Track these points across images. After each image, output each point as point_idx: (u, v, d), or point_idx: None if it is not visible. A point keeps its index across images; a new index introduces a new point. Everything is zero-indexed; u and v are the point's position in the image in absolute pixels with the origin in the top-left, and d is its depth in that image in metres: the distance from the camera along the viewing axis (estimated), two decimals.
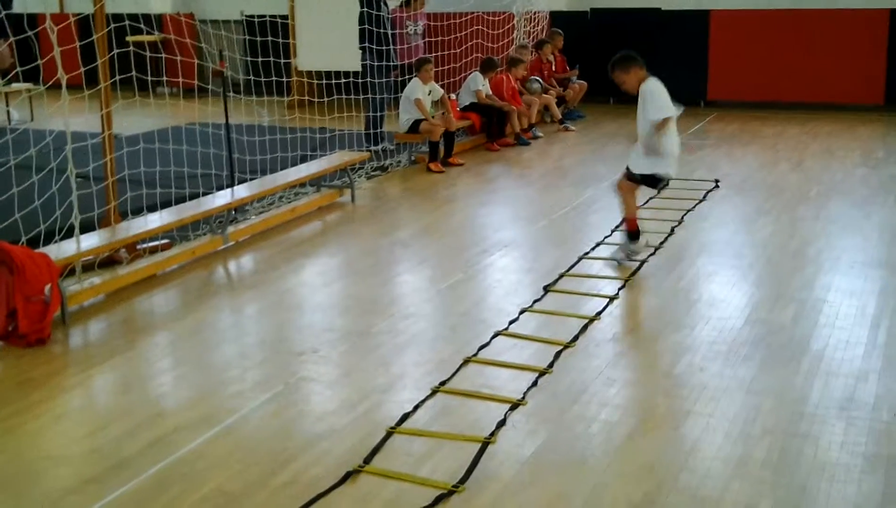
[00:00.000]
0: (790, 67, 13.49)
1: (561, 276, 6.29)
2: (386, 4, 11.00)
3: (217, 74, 8.21)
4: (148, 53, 7.97)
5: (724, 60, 13.88)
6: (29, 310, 5.21)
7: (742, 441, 4.05)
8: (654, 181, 6.54)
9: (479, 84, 11.36)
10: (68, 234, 6.20)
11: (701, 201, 8.32)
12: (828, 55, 13.31)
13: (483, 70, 11.49)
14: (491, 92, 11.51)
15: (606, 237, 7.18)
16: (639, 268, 6.46)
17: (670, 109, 6.25)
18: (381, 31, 10.61)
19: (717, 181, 9.03)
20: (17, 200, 6.27)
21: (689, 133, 11.87)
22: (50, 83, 6.49)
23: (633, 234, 6.55)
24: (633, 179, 6.50)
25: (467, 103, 11.36)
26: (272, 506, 3.59)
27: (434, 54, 11.85)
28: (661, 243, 7.04)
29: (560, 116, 12.55)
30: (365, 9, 10.66)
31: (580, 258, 6.69)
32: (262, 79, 10.35)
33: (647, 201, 8.20)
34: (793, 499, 3.61)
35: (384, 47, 10.73)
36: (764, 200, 8.40)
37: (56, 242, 6.11)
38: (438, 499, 3.61)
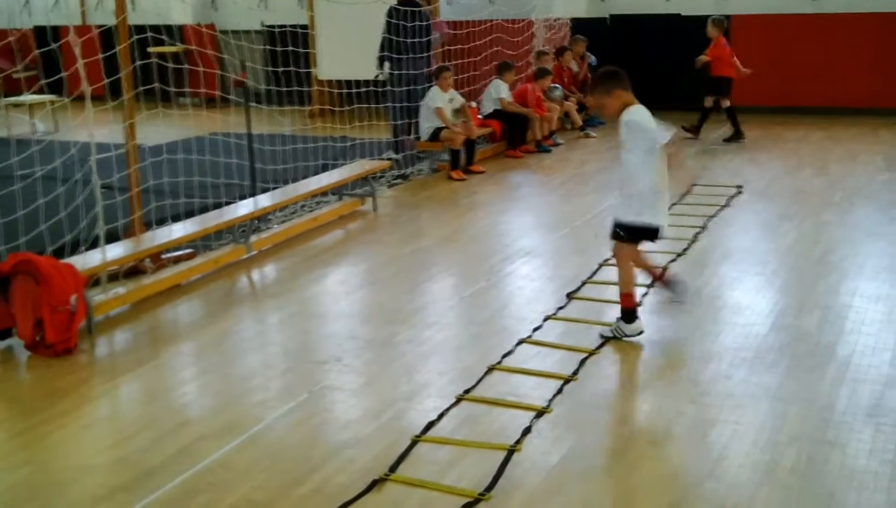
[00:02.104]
0: (811, 71, 13.42)
1: (584, 283, 6.28)
2: (420, 13, 10.96)
3: (238, 85, 8.26)
4: (170, 64, 8.03)
5: (746, 66, 13.81)
6: (55, 320, 5.25)
7: (769, 449, 4.03)
8: (650, 233, 5.23)
9: (501, 91, 11.36)
10: (93, 244, 6.25)
11: (724, 207, 8.28)
12: (849, 60, 13.22)
13: (500, 73, 11.48)
14: (513, 99, 11.51)
15: None
16: (662, 274, 6.43)
17: (665, 134, 5.16)
18: (404, 40, 10.63)
19: (740, 187, 8.98)
20: (43, 210, 6.33)
21: (712, 138, 11.83)
22: (74, 95, 6.56)
23: (628, 313, 5.29)
24: (621, 238, 5.27)
25: (490, 111, 11.36)
26: None
27: (454, 62, 11.87)
28: (685, 249, 7.02)
29: (581, 123, 12.54)
30: (393, 19, 10.65)
31: (601, 265, 6.67)
32: (284, 88, 10.40)
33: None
34: (821, 507, 3.58)
35: (406, 56, 10.74)
36: (787, 205, 8.35)
37: (81, 252, 6.15)
38: (470, 503, 3.61)
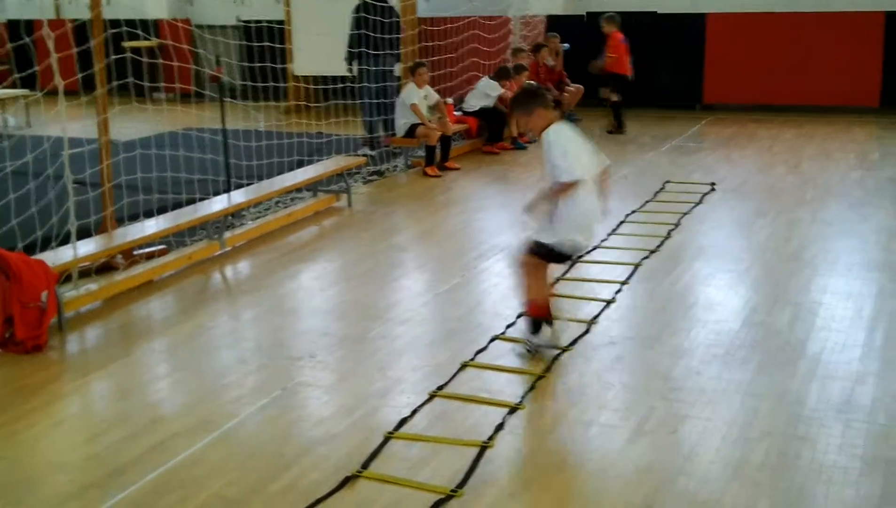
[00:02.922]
0: (786, 70, 13.52)
1: (557, 280, 6.29)
2: (389, 9, 10.97)
3: (214, 80, 8.22)
4: (145, 59, 7.97)
5: (721, 64, 13.91)
6: (26, 316, 5.20)
7: (740, 444, 4.06)
8: (560, 257, 5.02)
9: (498, 89, 11.33)
10: (65, 240, 6.19)
11: (698, 204, 8.33)
12: (823, 58, 13.34)
13: (497, 77, 11.47)
14: None
15: (603, 241, 7.18)
16: (634, 271, 6.47)
17: (575, 170, 4.78)
18: (374, 35, 10.61)
19: (713, 184, 9.04)
20: (13, 206, 6.27)
21: (686, 136, 11.90)
22: (47, 89, 6.49)
23: (536, 323, 5.03)
24: (537, 253, 4.97)
25: (477, 108, 11.37)
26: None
27: (430, 59, 11.86)
28: (659, 245, 7.05)
29: None
30: (361, 13, 10.66)
31: (575, 261, 6.67)
32: (259, 84, 10.36)
33: (639, 208, 8.24)
34: (791, 502, 3.61)
35: (380, 52, 10.73)
36: (761, 202, 8.41)
37: (53, 248, 6.10)
38: (437, 504, 3.61)
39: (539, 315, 5.01)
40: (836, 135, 11.84)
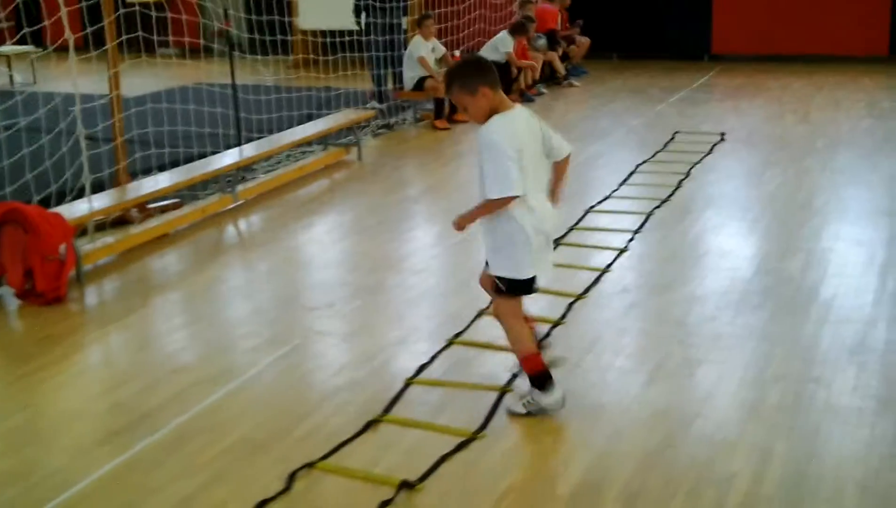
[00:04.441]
0: (794, 19, 13.43)
1: (570, 229, 6.32)
2: None
3: (221, 34, 8.19)
4: (154, 14, 7.94)
5: (729, 14, 13.81)
6: (45, 269, 5.25)
7: (755, 387, 4.11)
8: (527, 287, 3.91)
9: (508, 46, 11.23)
10: (79, 194, 6.23)
11: (707, 154, 8.33)
12: (832, 7, 13.25)
13: (513, 32, 11.33)
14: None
15: (614, 191, 7.20)
16: (646, 220, 6.49)
17: (512, 184, 3.68)
18: None
19: (722, 134, 9.03)
20: (28, 161, 6.30)
21: (694, 87, 11.85)
22: (55, 46, 6.48)
23: (540, 378, 3.90)
24: (502, 292, 3.93)
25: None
26: (297, 454, 3.65)
27: (437, 10, 11.78)
28: (669, 195, 7.07)
29: (564, 73, 12.51)
30: None
31: (587, 211, 6.72)
32: (266, 38, 10.31)
33: (649, 158, 8.25)
34: (807, 442, 3.67)
35: (387, 5, 10.67)
36: (770, 152, 8.40)
37: (67, 202, 6.13)
38: (460, 446, 3.67)
39: (538, 370, 3.90)
40: (845, 84, 11.79)
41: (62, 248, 5.36)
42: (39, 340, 4.91)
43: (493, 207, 3.76)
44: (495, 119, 3.75)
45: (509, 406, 3.95)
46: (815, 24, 13.34)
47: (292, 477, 3.48)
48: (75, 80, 6.13)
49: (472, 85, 3.72)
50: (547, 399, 3.88)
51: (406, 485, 3.40)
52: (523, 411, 3.91)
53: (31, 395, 4.35)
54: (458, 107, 3.87)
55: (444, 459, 3.58)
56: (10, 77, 13.02)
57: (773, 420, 3.83)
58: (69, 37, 6.04)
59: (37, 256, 5.22)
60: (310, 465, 3.56)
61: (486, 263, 4.00)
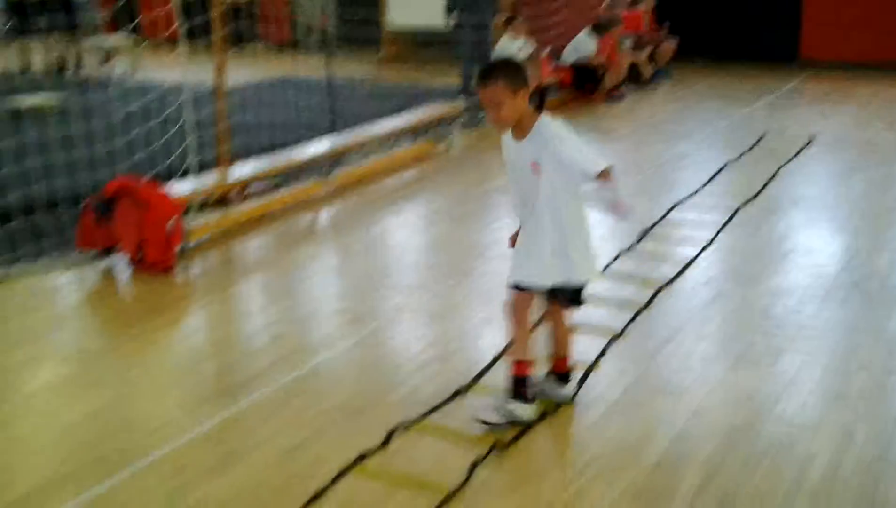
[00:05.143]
0: (885, 26, 13.24)
1: (655, 223, 6.43)
2: None
3: (322, 27, 8.48)
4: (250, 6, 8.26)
5: (819, 19, 13.68)
6: (155, 241, 5.56)
7: (839, 375, 4.20)
8: (577, 296, 3.89)
9: (591, 47, 11.35)
10: (183, 175, 6.56)
11: (795, 157, 8.33)
12: None
13: (595, 30, 11.45)
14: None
15: (700, 189, 7.29)
16: (732, 217, 6.56)
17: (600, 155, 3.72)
18: None
19: (811, 138, 9.01)
20: (138, 144, 6.65)
21: (782, 92, 11.79)
22: (159, 38, 6.80)
23: (565, 375, 4.02)
24: (576, 303, 3.93)
25: (572, 60, 11.46)
26: (391, 417, 3.85)
27: (528, 10, 11.94)
28: (756, 194, 7.12)
29: (649, 76, 12.55)
30: None
31: (673, 207, 6.81)
32: (357, 35, 10.61)
33: (735, 158, 8.28)
34: (888, 429, 3.75)
35: (479, 3, 10.88)
36: (858, 156, 8.38)
37: (174, 181, 6.46)
38: (545, 414, 3.84)
39: (563, 369, 4.00)
40: None
41: (170, 222, 5.66)
42: (149, 307, 5.21)
43: (607, 177, 3.62)
44: (545, 117, 3.73)
45: (482, 416, 3.79)
46: None
47: (389, 436, 3.69)
48: (185, 69, 6.47)
49: (517, 84, 3.62)
50: (525, 411, 3.79)
51: (497, 446, 3.58)
52: (501, 421, 3.76)
53: (142, 355, 4.65)
54: (487, 104, 3.66)
55: (531, 426, 3.75)
56: (112, 68, 13.54)
57: (854, 407, 3.92)
58: (181, 29, 6.36)
59: (149, 228, 5.54)
60: (405, 426, 3.77)
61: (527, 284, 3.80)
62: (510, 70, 3.68)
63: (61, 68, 12.22)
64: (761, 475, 3.44)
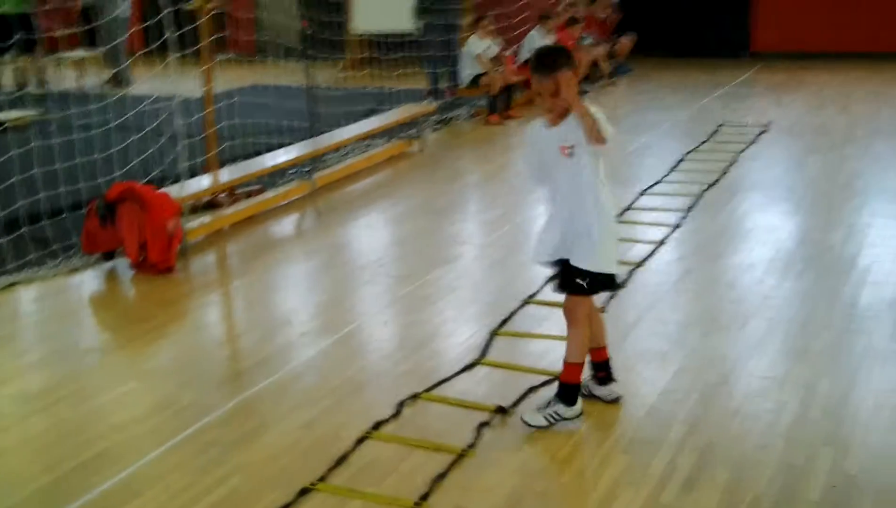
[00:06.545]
0: (833, 17, 13.79)
1: (624, 210, 6.84)
2: None
3: (299, 32, 8.79)
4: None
5: (769, 12, 14.21)
6: (157, 242, 5.86)
7: (801, 337, 4.63)
8: (612, 282, 3.98)
9: (535, 42, 11.75)
10: (175, 180, 6.85)
11: (752, 144, 8.80)
12: (870, 5, 13.60)
13: (542, 21, 11.83)
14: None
15: (664, 177, 7.71)
16: (697, 201, 6.99)
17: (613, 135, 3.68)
18: None
19: (766, 125, 9.49)
20: (131, 152, 6.94)
21: (736, 83, 12.29)
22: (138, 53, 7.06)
23: (573, 391, 3.87)
24: (584, 290, 3.82)
25: (526, 59, 11.84)
26: (401, 388, 4.21)
27: (491, 12, 12.32)
28: (717, 179, 7.56)
29: (609, 71, 13.00)
30: None
31: (640, 194, 7.23)
32: (326, 38, 10.91)
33: (696, 147, 8.72)
34: (847, 379, 4.17)
35: (447, 7, 11.28)
36: (812, 141, 8.88)
37: (168, 186, 6.75)
38: (548, 382, 4.21)
39: (577, 382, 3.88)
40: (884, 79, 12.19)
41: (171, 224, 5.96)
42: (156, 303, 5.52)
43: (597, 125, 3.55)
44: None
45: (526, 418, 3.83)
46: (856, 21, 13.68)
47: (401, 405, 4.05)
48: (176, 80, 6.75)
49: (573, 68, 3.65)
50: (572, 412, 3.84)
51: (501, 410, 3.95)
52: (545, 423, 3.81)
53: (156, 347, 4.96)
54: (545, 92, 3.66)
55: (532, 389, 4.13)
56: (125, 80, 13.53)
57: (817, 362, 4.35)
58: (171, 40, 6.64)
59: (150, 230, 5.83)
60: (415, 395, 4.13)
61: (563, 276, 3.86)
62: (565, 56, 3.67)
63: (21, 85, 12.28)
64: (738, 422, 3.85)
